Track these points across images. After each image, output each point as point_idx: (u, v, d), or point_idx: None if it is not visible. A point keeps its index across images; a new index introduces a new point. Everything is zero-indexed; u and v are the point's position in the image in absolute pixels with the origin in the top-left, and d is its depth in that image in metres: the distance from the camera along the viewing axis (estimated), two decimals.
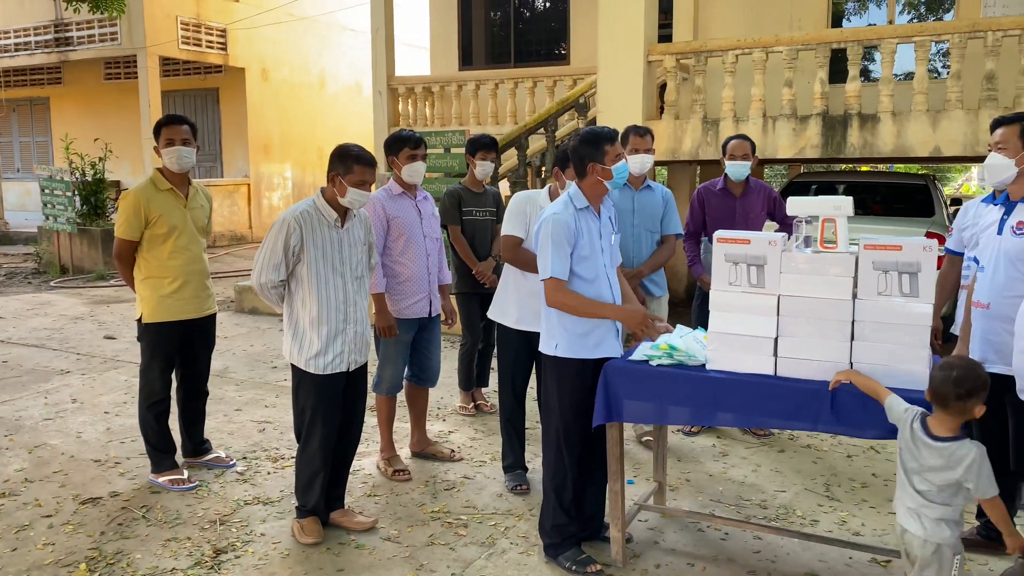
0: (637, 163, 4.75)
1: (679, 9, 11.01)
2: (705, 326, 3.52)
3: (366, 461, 4.72)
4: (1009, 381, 3.24)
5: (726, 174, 5.04)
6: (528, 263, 4.01)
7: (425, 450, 4.79)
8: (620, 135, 4.83)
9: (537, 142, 9.69)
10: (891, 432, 2.93)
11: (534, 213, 4.10)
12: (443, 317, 4.71)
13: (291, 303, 3.67)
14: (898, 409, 2.81)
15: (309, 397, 3.66)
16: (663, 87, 8.83)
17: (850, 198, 3.19)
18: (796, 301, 3.14)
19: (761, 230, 5.05)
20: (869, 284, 3.04)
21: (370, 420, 4.90)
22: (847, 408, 3.01)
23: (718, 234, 3.28)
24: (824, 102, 7.73)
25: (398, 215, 4.36)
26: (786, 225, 5.07)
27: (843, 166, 12.65)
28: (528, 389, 4.37)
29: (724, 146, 5.09)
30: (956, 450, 2.61)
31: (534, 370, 4.25)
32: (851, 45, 7.64)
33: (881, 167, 13.86)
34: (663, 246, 4.82)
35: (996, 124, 3.40)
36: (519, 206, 4.15)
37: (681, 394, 3.28)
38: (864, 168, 13.28)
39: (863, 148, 7.59)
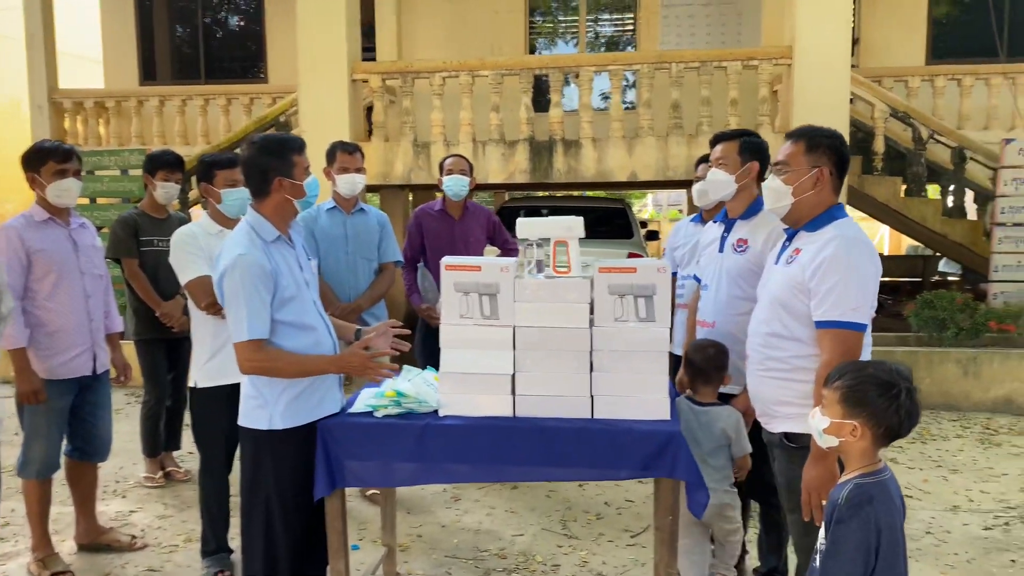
0: (347, 184, 4.26)
1: (382, 29, 10.74)
2: (431, 364, 3.11)
3: (13, 565, 3.68)
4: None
5: (445, 196, 4.70)
6: None
7: (97, 540, 3.84)
8: (326, 152, 4.36)
9: None
10: (645, 469, 2.71)
11: (212, 247, 3.43)
12: (113, 373, 3.82)
13: None
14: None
15: None
16: (370, 109, 8.43)
17: (580, 218, 2.95)
18: (532, 332, 2.81)
19: (482, 255, 4.80)
20: (605, 310, 2.79)
21: (20, 510, 3.85)
22: (595, 448, 2.73)
23: (446, 261, 2.87)
24: (530, 128, 7.80)
25: (44, 247, 3.44)
26: (507, 250, 4.85)
27: (541, 192, 13.11)
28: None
29: (441, 165, 4.76)
30: (720, 412, 3.08)
31: None
32: (552, 72, 7.79)
33: (574, 192, 14.61)
34: (382, 275, 4.36)
35: (716, 140, 3.37)
36: (191, 241, 3.45)
37: (412, 448, 2.80)
38: (559, 194, 13.81)
39: (568, 173, 7.75)
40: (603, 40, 12.05)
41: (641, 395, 2.79)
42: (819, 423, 2.01)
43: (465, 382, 2.85)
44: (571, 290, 2.80)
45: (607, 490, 4.58)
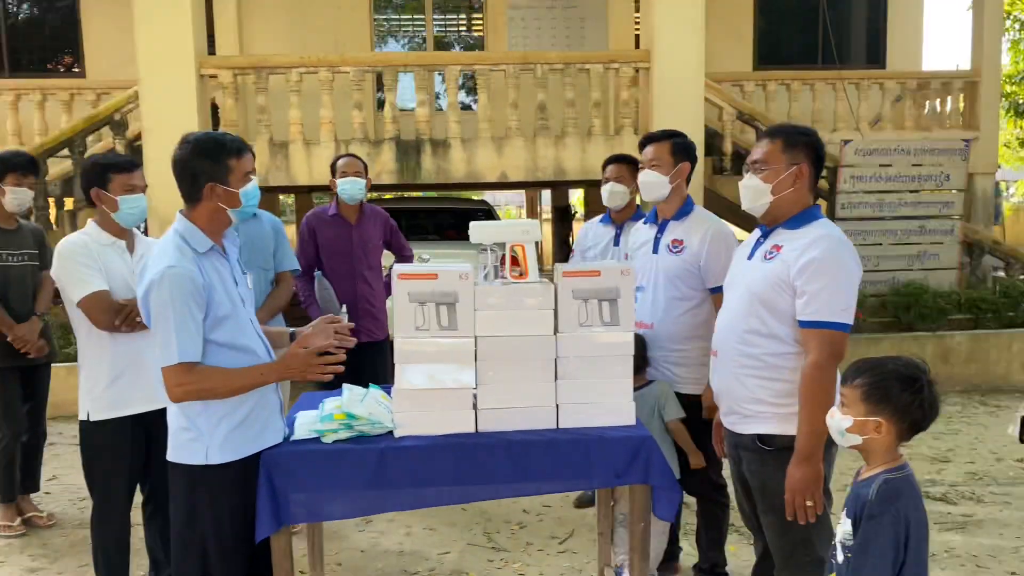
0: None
1: (220, 23, 10.05)
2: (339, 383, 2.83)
3: None
4: (690, 399, 3.22)
5: (339, 199, 4.41)
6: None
7: None
8: None
9: (59, 165, 7.93)
10: (618, 477, 2.64)
11: (106, 259, 3.03)
12: None
13: None
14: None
15: None
16: (214, 107, 7.85)
17: (536, 221, 2.85)
18: (495, 342, 2.66)
19: (380, 261, 4.56)
20: (570, 315, 2.69)
21: None
22: (566, 460, 2.62)
23: (399, 269, 2.65)
24: (396, 127, 7.56)
25: None
26: (404, 256, 4.63)
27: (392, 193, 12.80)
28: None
29: (333, 167, 4.46)
30: (651, 388, 3.27)
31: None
32: (417, 70, 7.59)
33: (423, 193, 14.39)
34: (280, 286, 4.01)
35: (646, 142, 3.35)
36: (82, 251, 3.01)
37: (369, 475, 2.57)
38: (414, 194, 13.57)
39: (438, 173, 7.59)
40: (450, 40, 11.93)
41: (606, 401, 2.72)
42: (841, 422, 2.00)
43: (423, 399, 2.66)
44: (535, 296, 2.67)
45: (522, 498, 4.48)
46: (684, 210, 3.30)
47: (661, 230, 3.33)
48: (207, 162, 2.45)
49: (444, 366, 2.66)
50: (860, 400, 1.97)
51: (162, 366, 2.38)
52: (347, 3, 10.86)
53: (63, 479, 4.85)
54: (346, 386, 2.88)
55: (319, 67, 7.41)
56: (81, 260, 2.97)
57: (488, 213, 8.80)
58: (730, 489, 3.07)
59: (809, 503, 2.42)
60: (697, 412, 3.22)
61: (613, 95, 8.27)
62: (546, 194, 20.50)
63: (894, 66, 11.57)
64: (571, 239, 15.95)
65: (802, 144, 2.53)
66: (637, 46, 10.25)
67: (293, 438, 2.62)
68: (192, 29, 7.14)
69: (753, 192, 2.55)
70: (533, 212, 20.13)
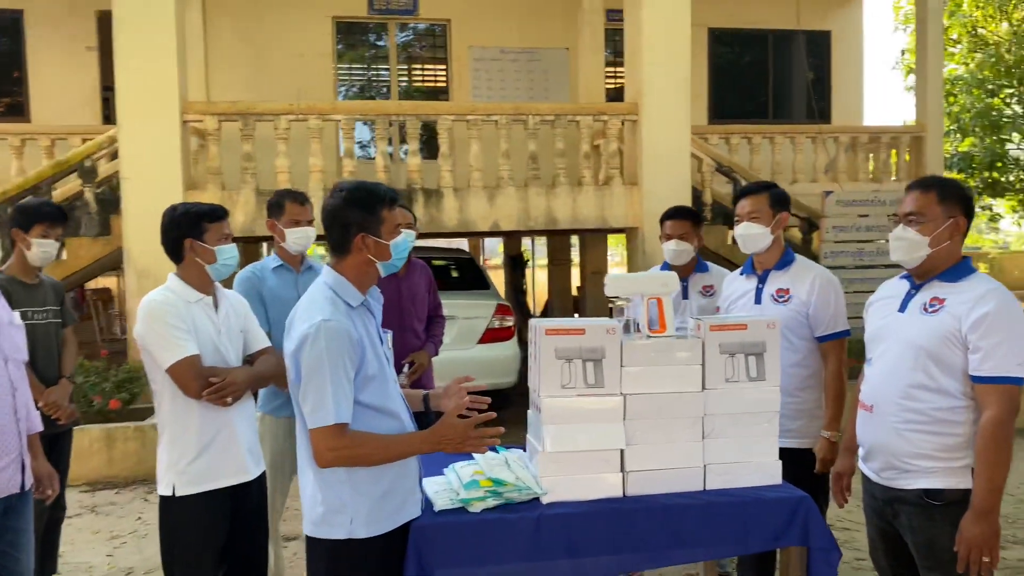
0: (300, 238, 3.73)
1: (188, 71, 9.71)
2: None
3: None
4: (794, 454, 3.12)
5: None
6: (249, 380, 2.75)
7: None
8: (269, 203, 3.82)
9: None
10: (776, 540, 2.53)
11: (196, 319, 2.78)
12: (38, 486, 2.92)
13: None
14: None
15: None
16: None
17: (675, 274, 2.76)
18: (643, 399, 2.55)
19: (426, 313, 4.38)
20: (716, 370, 2.61)
21: None
22: (723, 523, 2.51)
23: (545, 325, 2.52)
24: (387, 176, 7.40)
25: None
26: (437, 315, 4.46)
27: None
28: None
29: None
30: None
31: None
32: (410, 119, 7.47)
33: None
34: None
35: (742, 194, 3.32)
36: (171, 311, 2.73)
37: (524, 546, 2.40)
38: None
39: (430, 223, 7.44)
40: (414, 91, 11.84)
41: (754, 460, 2.64)
42: None
43: (570, 462, 2.52)
44: (682, 350, 2.58)
45: None
46: (786, 259, 3.27)
47: (762, 280, 3.29)
48: (360, 212, 2.31)
49: (591, 426, 2.52)
50: None
51: (312, 427, 2.20)
52: (311, 52, 10.69)
53: (70, 557, 4.40)
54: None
55: (309, 115, 7.22)
56: (171, 321, 2.70)
57: (471, 262, 8.66)
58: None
59: (986, 559, 2.36)
60: (808, 467, 3.14)
61: (597, 146, 8.31)
62: (489, 242, 20.56)
63: (837, 121, 12.11)
64: (524, 286, 15.91)
65: (956, 196, 2.51)
66: (608, 99, 10.44)
67: (439, 508, 2.43)
68: (177, 72, 6.86)
69: (909, 245, 2.51)
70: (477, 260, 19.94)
